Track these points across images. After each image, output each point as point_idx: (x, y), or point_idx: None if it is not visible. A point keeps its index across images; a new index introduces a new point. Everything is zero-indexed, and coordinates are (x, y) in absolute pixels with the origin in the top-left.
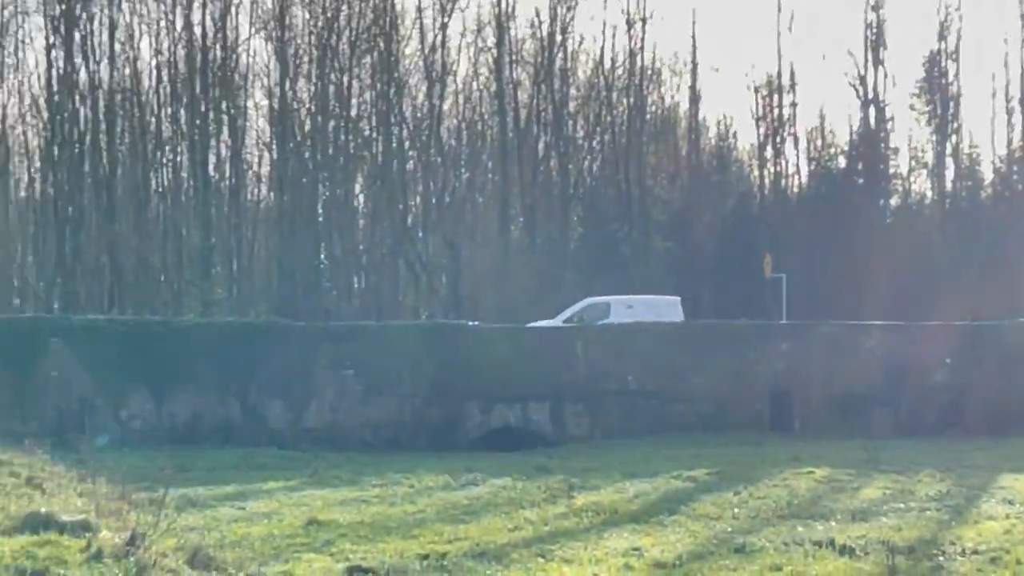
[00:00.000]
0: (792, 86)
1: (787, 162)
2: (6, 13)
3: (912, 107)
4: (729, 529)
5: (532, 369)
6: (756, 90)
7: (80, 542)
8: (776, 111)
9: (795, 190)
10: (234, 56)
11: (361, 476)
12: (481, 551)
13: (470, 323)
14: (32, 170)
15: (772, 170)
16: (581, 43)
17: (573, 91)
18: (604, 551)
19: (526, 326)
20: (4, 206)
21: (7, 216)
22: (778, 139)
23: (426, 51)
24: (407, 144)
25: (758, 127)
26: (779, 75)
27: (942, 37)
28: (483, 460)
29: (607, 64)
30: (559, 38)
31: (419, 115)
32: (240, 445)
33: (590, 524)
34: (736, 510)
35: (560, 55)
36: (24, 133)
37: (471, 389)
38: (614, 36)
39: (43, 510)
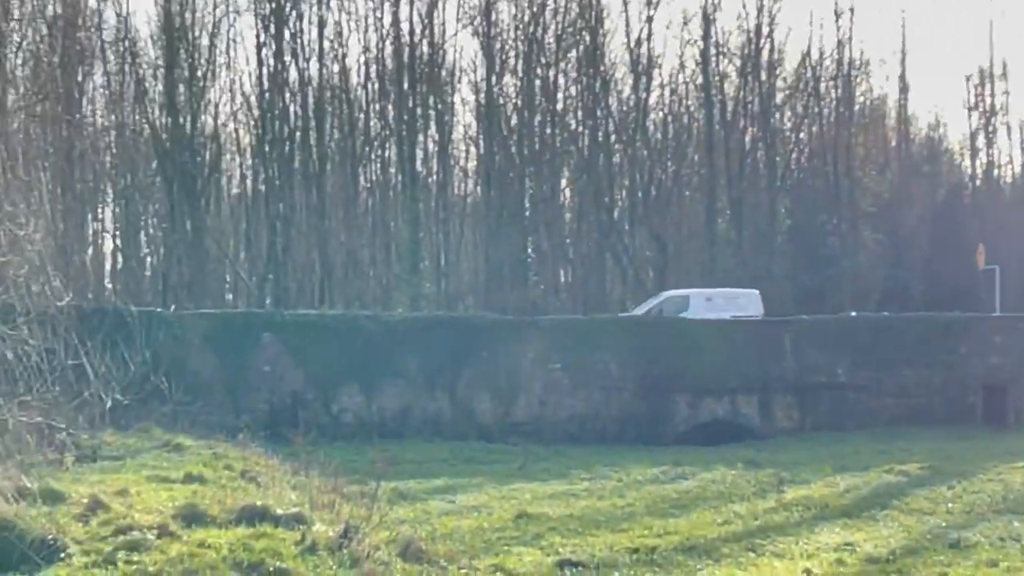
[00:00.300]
0: (1004, 74)
1: (1000, 152)
2: (218, 12)
3: None
4: (943, 524)
5: (740, 362)
6: (967, 79)
7: (295, 534)
8: (988, 100)
9: (1008, 180)
10: (441, 52)
11: (569, 470)
12: (691, 545)
13: (676, 316)
14: (244, 167)
15: (984, 160)
16: (789, 34)
17: (780, 82)
18: (815, 546)
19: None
20: (217, 203)
21: (219, 213)
22: (990, 129)
23: (632, 44)
24: (613, 138)
25: (969, 117)
26: (991, 64)
27: None
28: (691, 454)
29: (814, 55)
30: (766, 30)
31: (625, 108)
32: (448, 439)
33: (800, 518)
34: (950, 505)
35: (767, 47)
36: (236, 131)
37: (678, 383)
38: (822, 27)
39: (258, 503)
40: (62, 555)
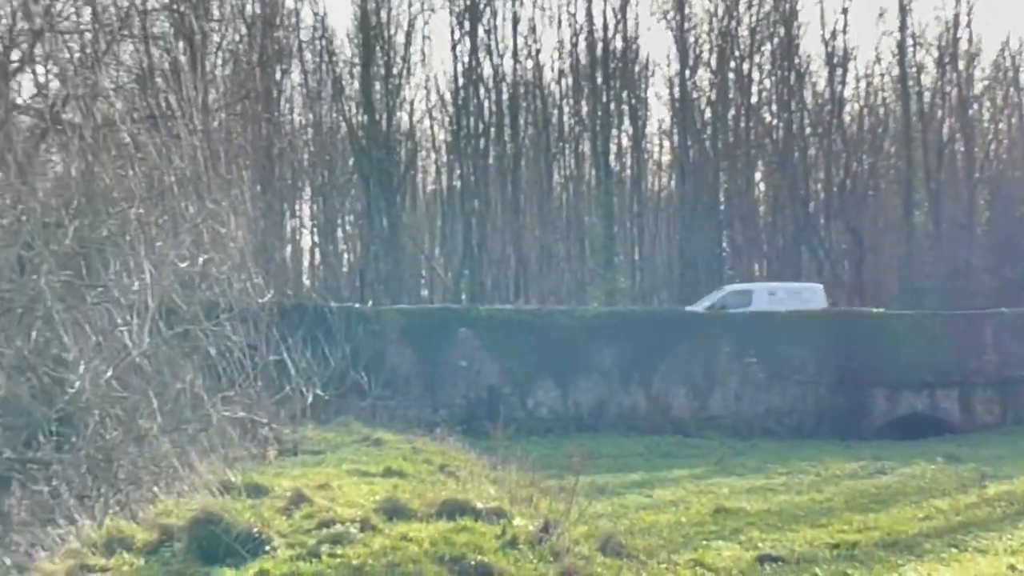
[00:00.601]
0: None
1: None
2: (413, 10)
3: None
4: None
5: (938, 355)
6: None
7: (495, 528)
8: None
9: None
10: (634, 46)
11: (766, 464)
12: (892, 541)
13: (874, 310)
14: (439, 163)
15: None
16: (986, 24)
17: (978, 72)
18: (1020, 542)
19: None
20: (412, 199)
21: (415, 209)
22: None
23: (827, 36)
24: (808, 131)
25: None
26: None
27: None
28: (890, 448)
29: (1013, 44)
30: (964, 19)
31: (820, 101)
32: (643, 433)
33: (1003, 514)
34: None
35: (965, 36)
36: (431, 127)
37: (876, 376)
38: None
39: (459, 497)
40: (267, 548)
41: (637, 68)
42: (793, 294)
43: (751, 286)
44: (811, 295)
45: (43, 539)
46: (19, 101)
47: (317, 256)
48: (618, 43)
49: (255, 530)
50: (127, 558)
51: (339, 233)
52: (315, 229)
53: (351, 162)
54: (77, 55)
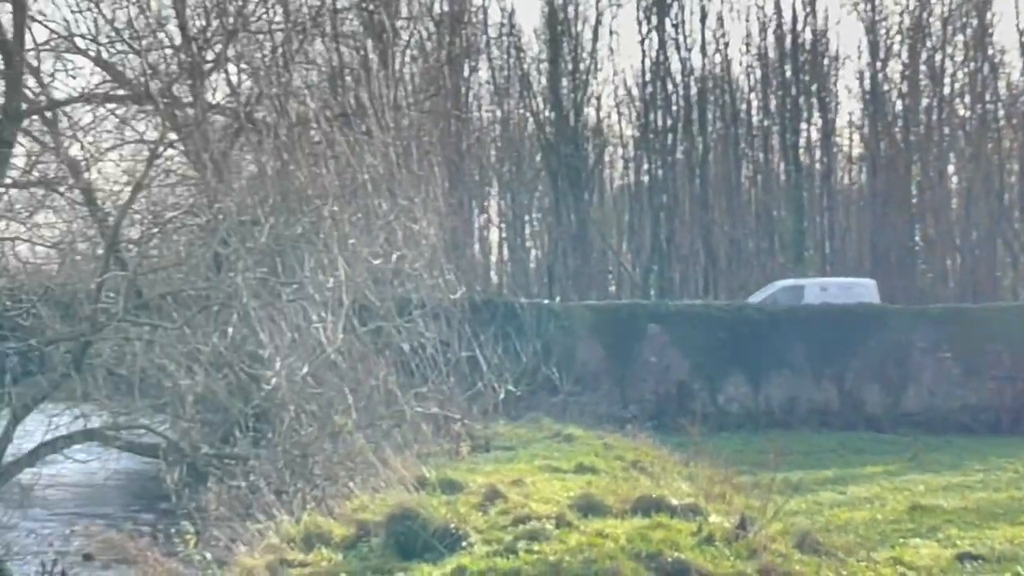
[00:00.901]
0: None
1: None
2: (600, 5)
3: None
4: None
5: None
6: None
7: (690, 525)
8: None
9: None
10: (824, 39)
11: (962, 461)
12: None
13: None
14: (626, 158)
15: None
16: None
17: None
18: None
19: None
20: (600, 194)
21: (602, 204)
22: None
23: (1021, 26)
24: (1002, 122)
25: None
26: None
27: None
28: None
29: None
30: None
31: (1014, 91)
32: (835, 429)
33: None
34: None
35: None
36: (619, 122)
37: None
38: None
39: (653, 494)
40: (463, 544)
41: (827, 60)
42: (845, 289)
43: (802, 281)
44: (864, 290)
45: (242, 534)
46: (213, 101)
47: (505, 252)
48: (807, 35)
49: (451, 526)
50: (325, 553)
51: (526, 229)
52: (502, 225)
53: (538, 158)
54: (268, 55)
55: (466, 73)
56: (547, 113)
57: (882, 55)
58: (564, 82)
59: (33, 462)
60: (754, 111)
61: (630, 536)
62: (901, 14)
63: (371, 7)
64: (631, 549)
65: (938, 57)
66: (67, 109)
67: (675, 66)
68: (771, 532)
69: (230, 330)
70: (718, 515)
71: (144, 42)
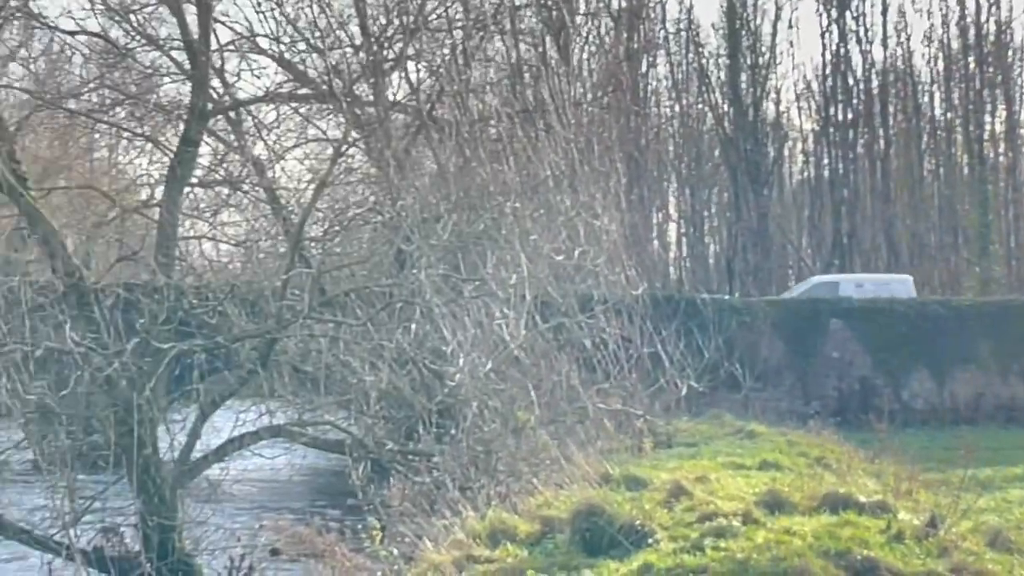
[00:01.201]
0: None
1: None
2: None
3: None
4: None
5: None
6: None
7: (879, 523)
8: None
9: None
10: (1008, 30)
11: None
12: None
13: None
14: (806, 152)
15: None
16: None
17: None
18: None
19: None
20: (779, 189)
21: (782, 199)
22: None
23: None
24: None
25: None
26: None
27: None
28: None
29: None
30: None
31: None
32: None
33: None
34: None
35: None
36: (799, 116)
37: None
38: None
39: (840, 490)
40: (649, 541)
41: (1011, 52)
42: (881, 285)
43: (837, 277)
44: (900, 286)
45: (427, 530)
46: (394, 99)
47: (684, 248)
48: (991, 27)
49: (637, 522)
50: (511, 549)
51: (705, 224)
52: (681, 220)
53: (717, 153)
54: (447, 52)
55: (644, 68)
56: (726, 108)
57: None
58: (743, 76)
59: (221, 458)
60: (936, 104)
61: (817, 533)
62: None
63: (550, 3)
64: (819, 546)
65: None
66: (251, 109)
67: (856, 59)
68: (961, 530)
69: (413, 327)
70: (907, 512)
71: (326, 41)
